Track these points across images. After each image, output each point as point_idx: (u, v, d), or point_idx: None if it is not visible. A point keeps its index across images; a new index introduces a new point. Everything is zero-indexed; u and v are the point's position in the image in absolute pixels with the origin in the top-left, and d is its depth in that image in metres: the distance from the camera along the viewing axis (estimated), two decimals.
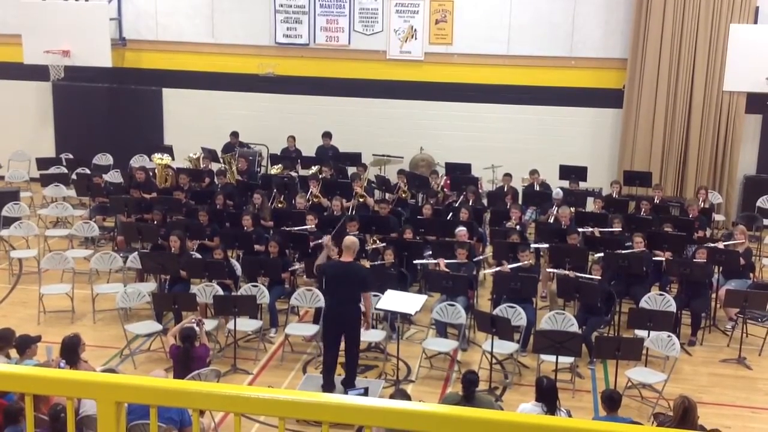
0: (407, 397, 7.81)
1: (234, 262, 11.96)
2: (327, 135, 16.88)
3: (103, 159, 17.67)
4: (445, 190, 15.20)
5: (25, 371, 2.83)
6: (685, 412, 7.36)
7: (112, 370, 8.72)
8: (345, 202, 13.86)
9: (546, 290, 12.34)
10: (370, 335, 10.71)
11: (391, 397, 8.46)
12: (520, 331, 10.39)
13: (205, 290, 10.90)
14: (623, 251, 11.78)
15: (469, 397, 7.89)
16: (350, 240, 9.77)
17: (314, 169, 15.49)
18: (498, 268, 11.46)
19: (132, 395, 2.65)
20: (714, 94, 15.96)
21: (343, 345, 9.53)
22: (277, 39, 17.63)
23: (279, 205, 14.10)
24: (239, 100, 17.89)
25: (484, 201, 14.87)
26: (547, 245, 12.37)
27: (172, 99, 18.29)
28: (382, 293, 10.26)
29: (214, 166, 15.88)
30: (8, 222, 14.06)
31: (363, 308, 9.59)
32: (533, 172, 15.29)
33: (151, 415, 2.68)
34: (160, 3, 17.88)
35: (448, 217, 13.46)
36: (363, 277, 9.54)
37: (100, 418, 2.61)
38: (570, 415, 8.00)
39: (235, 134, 17.08)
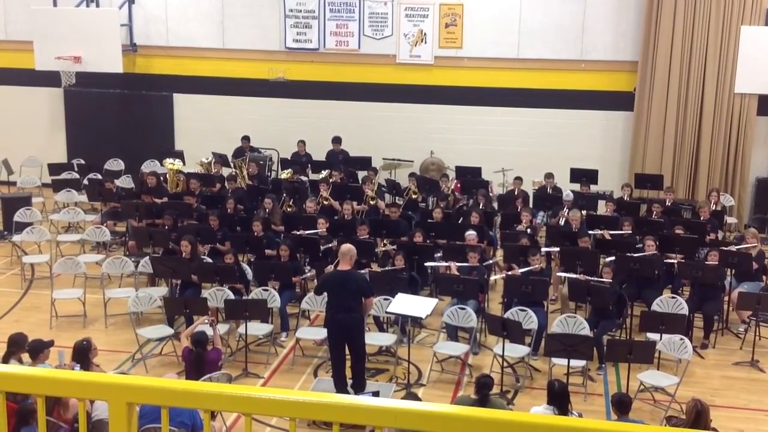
0: (418, 401, 7.80)
1: (245, 266, 11.97)
2: (337, 140, 16.91)
3: (115, 164, 17.75)
4: (455, 193, 15.20)
5: (37, 373, 2.84)
6: (698, 415, 7.33)
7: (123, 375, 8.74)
8: (356, 205, 13.87)
9: (557, 293, 12.31)
10: (381, 338, 10.73)
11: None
12: (532, 334, 10.36)
13: (216, 294, 10.91)
14: (635, 254, 11.75)
15: (483, 401, 7.88)
16: (346, 247, 9.60)
17: (324, 173, 15.51)
18: (509, 273, 11.42)
19: (143, 396, 2.65)
20: (725, 97, 15.89)
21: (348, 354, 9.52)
22: (287, 44, 17.68)
23: (289, 210, 14.12)
24: (249, 105, 17.94)
25: (495, 204, 14.84)
26: (557, 248, 12.35)
27: (183, 104, 18.37)
28: (393, 297, 10.27)
29: (225, 171, 15.93)
30: (20, 227, 14.12)
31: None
32: (549, 176, 15.25)
33: (162, 416, 2.68)
34: (171, 9, 17.96)
35: (459, 221, 13.45)
36: (361, 285, 9.49)
37: (112, 420, 2.61)
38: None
39: (245, 139, 17.14)
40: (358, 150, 16.88)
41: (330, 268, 10.66)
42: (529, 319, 10.26)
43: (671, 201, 14.41)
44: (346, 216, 13.41)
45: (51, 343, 8.72)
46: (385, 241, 12.89)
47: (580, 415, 8.23)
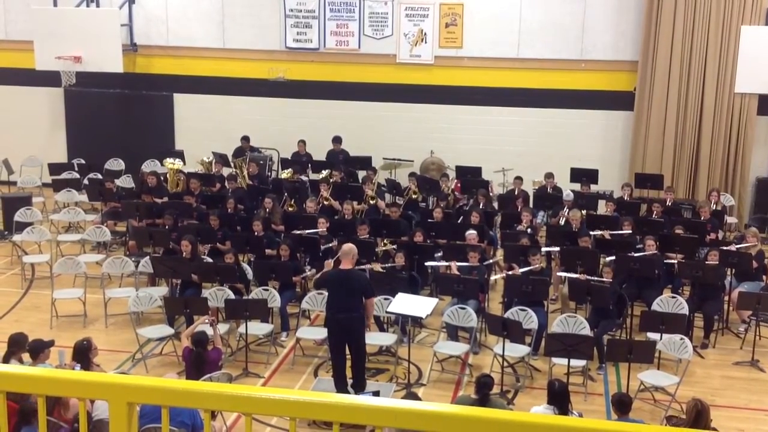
0: (418, 401, 7.80)
1: (245, 266, 11.98)
2: (337, 140, 16.91)
3: (115, 164, 17.75)
4: (455, 193, 15.20)
5: (38, 372, 2.85)
6: (698, 415, 7.33)
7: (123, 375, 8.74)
8: (356, 205, 13.87)
9: (557, 293, 12.31)
10: (381, 338, 10.73)
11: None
12: (532, 334, 10.36)
13: (216, 294, 10.91)
14: (635, 254, 11.75)
15: (483, 400, 7.88)
16: (347, 246, 9.65)
17: (325, 173, 15.51)
18: (509, 272, 11.42)
19: (144, 396, 2.65)
20: (725, 96, 15.89)
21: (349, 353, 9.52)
22: (287, 43, 17.68)
23: (290, 209, 14.12)
24: (250, 105, 17.95)
25: (495, 204, 14.84)
26: (558, 248, 12.35)
27: (183, 104, 18.37)
28: (393, 296, 10.27)
29: (225, 171, 15.93)
30: (21, 227, 14.13)
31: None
32: (549, 175, 15.25)
33: (162, 416, 2.68)
34: (171, 9, 17.96)
35: (459, 221, 13.45)
36: (363, 285, 9.49)
37: (112, 419, 2.61)
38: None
39: (245, 139, 17.14)
40: (358, 150, 16.88)
41: (329, 262, 10.65)
42: (529, 319, 10.26)
43: (671, 201, 14.40)
44: (346, 216, 13.41)
45: (51, 343, 8.72)
46: (385, 241, 12.89)
47: (581, 415, 8.23)
